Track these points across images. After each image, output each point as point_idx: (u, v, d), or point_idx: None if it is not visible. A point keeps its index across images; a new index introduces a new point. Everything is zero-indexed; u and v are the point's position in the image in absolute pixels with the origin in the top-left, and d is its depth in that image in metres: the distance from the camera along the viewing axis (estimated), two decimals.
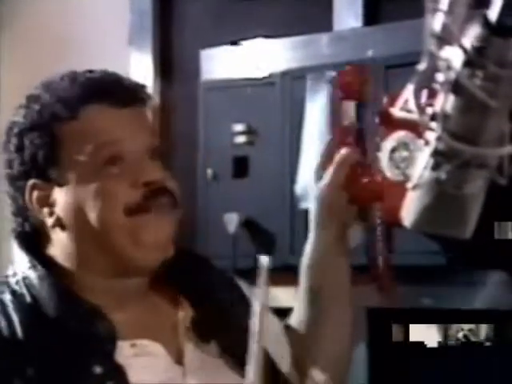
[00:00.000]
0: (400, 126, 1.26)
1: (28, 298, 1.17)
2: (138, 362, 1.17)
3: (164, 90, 2.06)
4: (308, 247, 1.35)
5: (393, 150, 1.34)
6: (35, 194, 1.20)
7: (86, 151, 1.17)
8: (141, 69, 2.08)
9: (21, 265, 1.21)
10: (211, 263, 1.34)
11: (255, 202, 1.87)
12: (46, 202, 1.19)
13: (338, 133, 1.34)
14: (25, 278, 1.19)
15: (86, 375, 1.13)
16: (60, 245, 1.21)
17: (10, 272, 1.22)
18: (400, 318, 1.65)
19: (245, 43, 1.88)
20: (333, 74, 1.30)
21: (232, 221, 1.84)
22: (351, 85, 1.32)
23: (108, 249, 1.18)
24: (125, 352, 1.17)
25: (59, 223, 1.19)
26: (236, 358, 1.22)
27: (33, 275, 1.19)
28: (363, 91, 1.33)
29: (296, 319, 1.37)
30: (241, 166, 1.88)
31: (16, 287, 1.19)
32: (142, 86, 1.25)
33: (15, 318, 1.16)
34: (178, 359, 1.21)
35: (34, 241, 1.22)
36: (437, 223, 1.10)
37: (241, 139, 1.87)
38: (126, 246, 1.18)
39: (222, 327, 1.25)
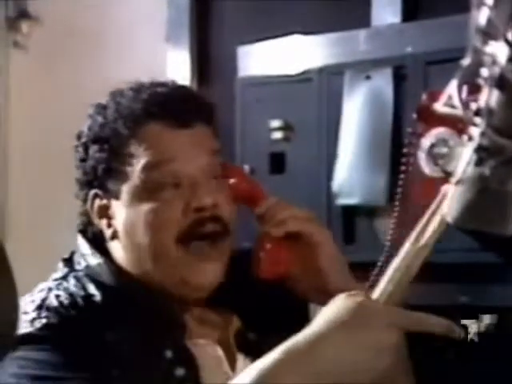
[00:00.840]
0: (439, 122, 1.26)
1: (94, 281, 1.20)
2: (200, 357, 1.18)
3: (201, 86, 2.07)
4: None
5: (431, 147, 1.33)
6: (96, 203, 1.23)
7: (142, 171, 1.18)
8: (178, 65, 2.09)
9: (84, 254, 1.24)
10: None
11: (292, 198, 1.85)
12: (106, 213, 1.22)
13: None
14: (88, 267, 1.22)
15: (158, 359, 1.15)
16: (116, 253, 1.23)
17: (75, 259, 1.25)
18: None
19: (282, 39, 1.87)
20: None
21: None
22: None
23: (157, 277, 1.20)
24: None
25: (116, 236, 1.22)
26: None
27: (94, 262, 1.22)
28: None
29: None
30: (278, 162, 1.88)
31: (81, 272, 1.22)
32: (207, 105, 1.24)
33: (92, 289, 1.19)
34: (231, 364, 1.22)
35: (96, 239, 1.25)
36: (480, 220, 1.10)
37: (278, 135, 1.86)
38: (170, 280, 1.19)
39: (260, 344, 1.24)
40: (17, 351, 1.13)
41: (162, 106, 1.19)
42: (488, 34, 0.96)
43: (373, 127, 1.73)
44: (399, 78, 1.71)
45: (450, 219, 1.16)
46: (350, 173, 1.75)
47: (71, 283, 1.20)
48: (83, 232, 1.26)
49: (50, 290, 1.20)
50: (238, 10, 2.03)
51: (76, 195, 1.26)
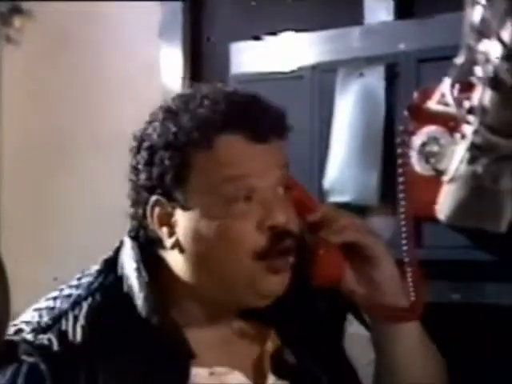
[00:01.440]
0: (431, 120, 1.26)
1: (124, 294, 1.20)
2: None
3: (194, 83, 2.07)
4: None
5: (423, 145, 1.34)
6: (157, 210, 1.19)
7: (215, 183, 1.15)
8: (170, 62, 2.09)
9: (129, 261, 1.22)
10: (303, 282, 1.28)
11: None
12: (168, 221, 1.18)
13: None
14: (128, 278, 1.21)
15: None
16: (175, 261, 1.21)
17: (119, 262, 1.23)
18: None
19: (275, 37, 1.88)
20: None
21: None
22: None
23: (222, 286, 1.18)
24: (202, 380, 1.17)
25: (178, 246, 1.18)
26: None
27: (135, 281, 1.20)
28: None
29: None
30: None
31: (119, 272, 1.22)
32: (283, 119, 1.22)
33: (112, 320, 1.18)
34: None
35: (145, 243, 1.23)
36: (472, 217, 1.11)
37: None
38: (244, 292, 1.18)
39: (295, 367, 1.24)
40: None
41: (241, 118, 1.17)
42: (482, 32, 0.96)
43: (365, 125, 1.73)
44: (392, 76, 1.71)
45: (442, 217, 1.17)
46: (342, 171, 1.75)
47: (96, 301, 1.19)
48: (134, 238, 1.23)
49: (74, 304, 1.19)
50: (231, 7, 2.03)
51: (129, 196, 1.23)
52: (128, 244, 1.23)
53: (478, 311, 1.62)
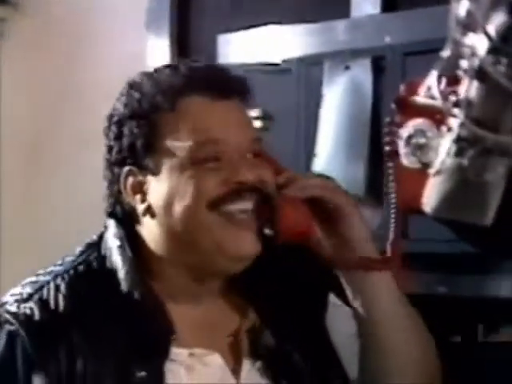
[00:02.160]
0: (417, 113, 1.27)
1: (107, 270, 1.21)
2: (194, 372, 1.18)
3: None
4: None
5: (409, 137, 1.35)
6: (130, 180, 1.21)
7: (184, 147, 1.17)
8: (157, 53, 2.09)
9: (112, 238, 1.23)
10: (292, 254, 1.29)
11: None
12: (140, 189, 1.21)
13: None
14: (111, 255, 1.22)
15: (128, 376, 1.15)
16: (148, 230, 1.22)
17: (103, 244, 1.24)
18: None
19: (262, 29, 1.88)
20: None
21: None
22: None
23: (190, 246, 1.19)
24: (181, 360, 1.18)
25: (150, 211, 1.20)
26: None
27: (118, 258, 1.21)
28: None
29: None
30: None
31: (103, 252, 1.23)
32: (244, 80, 1.24)
33: (88, 294, 1.19)
34: (236, 370, 1.21)
35: (124, 221, 1.24)
36: (458, 209, 1.11)
37: (256, 125, 1.86)
38: (209, 249, 1.18)
39: (270, 346, 1.24)
40: None
41: (202, 78, 1.20)
42: (467, 25, 0.97)
43: (352, 117, 1.74)
44: (378, 69, 1.71)
45: (428, 209, 1.17)
46: (329, 163, 1.76)
47: (78, 273, 1.21)
48: (112, 214, 1.25)
49: (56, 276, 1.21)
50: None
51: (104, 176, 1.25)
52: (112, 224, 1.25)
53: (464, 304, 1.63)
